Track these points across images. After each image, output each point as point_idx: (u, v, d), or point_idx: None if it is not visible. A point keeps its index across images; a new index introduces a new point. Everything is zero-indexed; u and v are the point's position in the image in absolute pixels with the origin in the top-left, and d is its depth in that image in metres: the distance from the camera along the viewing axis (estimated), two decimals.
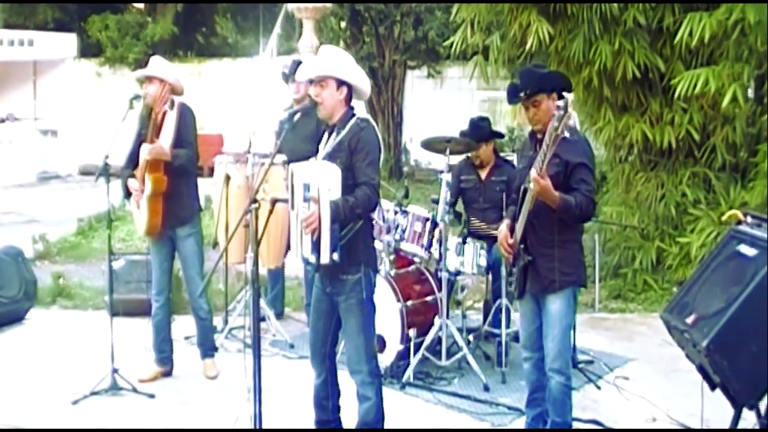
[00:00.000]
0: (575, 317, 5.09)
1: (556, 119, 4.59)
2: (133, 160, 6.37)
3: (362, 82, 4.96)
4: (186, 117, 6.38)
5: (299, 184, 4.71)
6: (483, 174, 7.29)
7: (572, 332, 5.07)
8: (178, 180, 6.32)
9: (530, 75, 5.01)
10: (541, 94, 4.88)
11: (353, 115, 4.89)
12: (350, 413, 5.16)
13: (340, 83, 4.85)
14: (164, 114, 6.32)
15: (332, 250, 4.60)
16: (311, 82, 4.94)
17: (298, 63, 7.86)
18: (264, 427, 4.62)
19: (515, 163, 6.22)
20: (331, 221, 4.55)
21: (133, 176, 6.36)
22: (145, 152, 6.19)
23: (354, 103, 4.98)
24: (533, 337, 5.14)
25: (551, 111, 4.79)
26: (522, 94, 4.93)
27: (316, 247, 4.63)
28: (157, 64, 6.39)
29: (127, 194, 6.43)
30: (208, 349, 6.74)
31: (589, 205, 4.80)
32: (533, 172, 4.64)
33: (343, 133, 4.82)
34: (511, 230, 5.02)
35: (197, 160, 6.51)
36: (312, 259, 4.68)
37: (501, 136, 7.56)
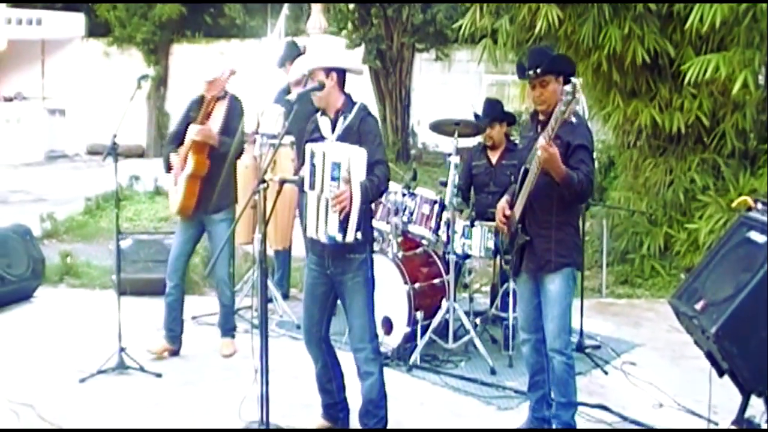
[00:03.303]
0: (572, 298, 5.08)
1: (564, 103, 4.62)
2: (178, 138, 6.47)
3: (350, 62, 5.11)
4: (235, 109, 6.52)
5: (328, 162, 4.71)
6: (494, 158, 7.25)
7: (571, 313, 5.05)
8: (219, 166, 6.42)
9: (541, 55, 5.01)
10: (549, 75, 4.89)
11: (354, 101, 5.01)
12: (352, 394, 5.21)
13: (328, 71, 4.95)
14: (216, 101, 6.40)
15: (357, 229, 4.70)
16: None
17: (291, 45, 7.93)
18: (271, 407, 4.64)
19: None
20: (361, 201, 4.64)
21: (175, 153, 6.45)
22: (194, 132, 6.27)
23: (361, 85, 5.02)
24: (531, 317, 5.16)
25: (557, 94, 4.83)
26: (531, 72, 4.94)
27: (343, 225, 4.68)
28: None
29: (168, 169, 6.51)
30: (228, 329, 6.80)
31: (589, 184, 4.83)
32: (541, 140, 4.65)
33: (351, 117, 4.93)
34: (511, 206, 5.05)
35: (241, 152, 6.63)
36: (339, 237, 4.71)
37: (513, 118, 7.50)
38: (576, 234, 5.12)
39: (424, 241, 6.91)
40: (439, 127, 7.08)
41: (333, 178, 4.67)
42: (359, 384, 5.07)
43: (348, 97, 5.02)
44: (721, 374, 4.73)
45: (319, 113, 5.08)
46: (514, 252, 5.07)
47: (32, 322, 7.55)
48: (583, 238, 5.73)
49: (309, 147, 4.84)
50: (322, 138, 4.98)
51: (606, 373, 6.44)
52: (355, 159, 4.64)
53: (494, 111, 7.31)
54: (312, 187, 4.81)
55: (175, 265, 6.60)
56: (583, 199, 5.04)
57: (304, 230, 5.11)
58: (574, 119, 4.86)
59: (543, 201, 4.90)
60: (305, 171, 4.85)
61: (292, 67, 5.20)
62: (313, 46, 5.09)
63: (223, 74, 6.44)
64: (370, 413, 5.07)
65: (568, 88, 4.65)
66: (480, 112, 7.39)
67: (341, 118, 4.95)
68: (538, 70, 4.90)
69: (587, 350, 6.69)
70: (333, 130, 4.97)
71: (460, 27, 9.46)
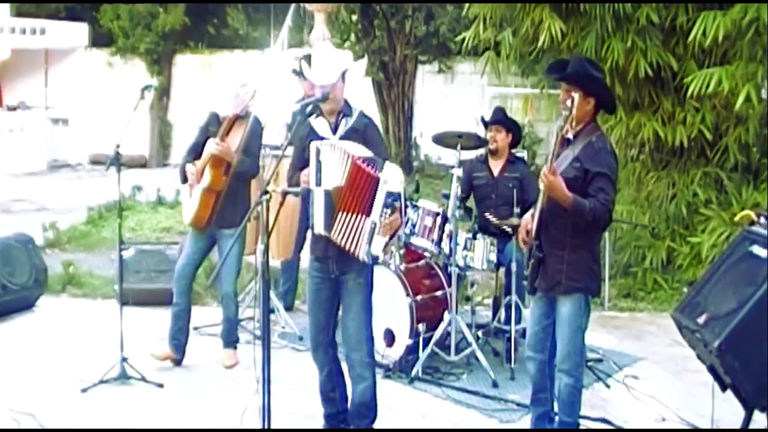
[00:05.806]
0: (587, 322, 5.05)
1: (562, 119, 4.62)
2: (196, 150, 6.50)
3: (351, 62, 5.39)
4: (256, 130, 6.56)
5: (382, 190, 4.76)
6: (496, 170, 7.24)
7: (583, 336, 5.01)
8: (235, 184, 6.44)
9: (579, 65, 4.96)
10: (575, 87, 4.78)
11: (350, 105, 5.18)
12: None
13: (343, 75, 5.10)
14: (236, 118, 6.42)
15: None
16: None
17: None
18: (272, 418, 4.63)
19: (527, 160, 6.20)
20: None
21: (192, 164, 6.47)
22: (213, 146, 6.29)
23: (364, 97, 5.20)
24: (538, 337, 5.13)
25: (583, 110, 4.79)
26: (560, 74, 4.96)
27: (385, 247, 4.91)
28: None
29: (184, 179, 6.52)
30: (231, 341, 6.78)
31: (605, 213, 4.72)
32: (543, 169, 4.65)
33: (353, 120, 5.11)
34: None
35: (257, 172, 6.65)
36: (381, 257, 4.93)
37: (519, 128, 7.43)
38: (592, 260, 4.93)
39: (426, 253, 6.90)
40: (441, 140, 7.09)
41: (386, 206, 4.77)
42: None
43: (346, 99, 5.17)
44: (723, 388, 4.73)
45: (313, 116, 5.13)
46: (530, 269, 5.02)
47: (34, 331, 7.54)
48: None
49: (314, 144, 4.89)
50: (320, 139, 5.04)
51: (608, 386, 6.43)
52: (403, 187, 4.85)
53: (499, 114, 7.33)
54: (319, 183, 4.86)
55: (182, 271, 6.60)
56: (598, 226, 4.83)
57: (312, 228, 5.08)
58: (594, 138, 4.83)
59: (557, 220, 4.83)
60: (311, 169, 4.90)
61: (321, 78, 5.16)
62: (327, 56, 5.12)
63: (246, 93, 6.47)
64: (362, 414, 5.14)
65: (568, 103, 4.65)
66: (484, 120, 7.43)
67: (343, 120, 5.09)
68: (564, 75, 4.91)
69: (589, 363, 6.65)
70: (334, 131, 5.08)
71: (463, 39, 9.50)
